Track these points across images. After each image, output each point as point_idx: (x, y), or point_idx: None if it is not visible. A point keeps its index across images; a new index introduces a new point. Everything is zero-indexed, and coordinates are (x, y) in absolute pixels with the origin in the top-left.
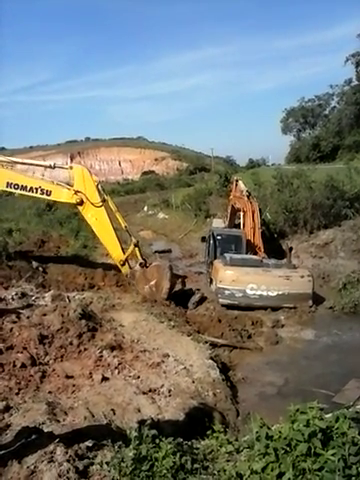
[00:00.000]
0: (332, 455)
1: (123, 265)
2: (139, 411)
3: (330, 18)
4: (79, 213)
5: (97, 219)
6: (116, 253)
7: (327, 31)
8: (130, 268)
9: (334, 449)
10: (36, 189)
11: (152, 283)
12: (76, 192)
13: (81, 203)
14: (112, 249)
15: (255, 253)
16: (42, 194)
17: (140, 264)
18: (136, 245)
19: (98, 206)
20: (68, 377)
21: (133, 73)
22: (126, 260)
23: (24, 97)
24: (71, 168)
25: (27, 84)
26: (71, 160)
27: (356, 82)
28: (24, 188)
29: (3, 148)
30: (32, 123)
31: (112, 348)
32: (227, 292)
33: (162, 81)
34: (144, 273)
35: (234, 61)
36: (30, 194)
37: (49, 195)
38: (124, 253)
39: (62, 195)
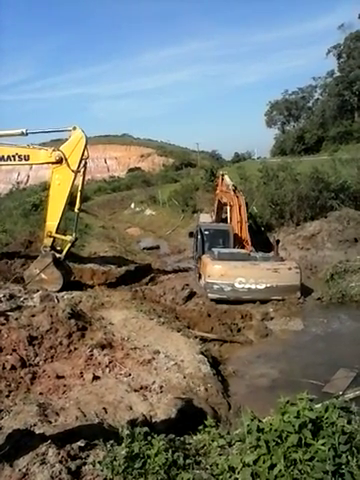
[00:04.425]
0: (322, 445)
1: (49, 237)
2: (131, 409)
3: (311, 10)
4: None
5: (60, 184)
6: (52, 224)
7: (308, 23)
8: (51, 248)
9: (324, 439)
10: (13, 157)
11: (44, 277)
12: (55, 150)
13: (59, 162)
14: (51, 218)
15: (243, 247)
16: (20, 160)
17: (58, 257)
18: (72, 242)
19: (72, 170)
20: (59, 377)
21: (115, 69)
22: (54, 239)
23: (6, 96)
24: (74, 128)
25: (8, 83)
26: None
27: (338, 74)
28: (1, 158)
29: None
30: (15, 122)
31: (102, 347)
32: (216, 286)
33: (145, 77)
34: (50, 265)
35: (216, 55)
36: (9, 163)
37: (28, 160)
38: (57, 233)
39: (40, 156)
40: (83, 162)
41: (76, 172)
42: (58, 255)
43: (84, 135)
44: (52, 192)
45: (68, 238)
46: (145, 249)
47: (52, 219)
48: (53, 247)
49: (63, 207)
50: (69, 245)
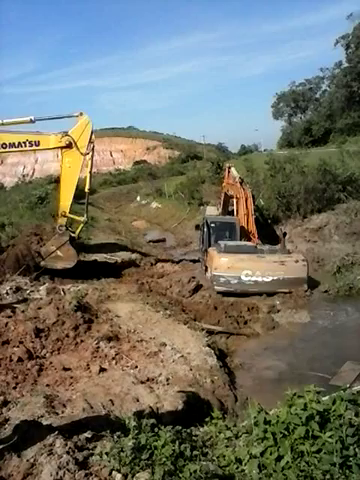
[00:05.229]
0: (330, 437)
1: (63, 217)
2: (137, 401)
3: (318, 0)
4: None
5: (70, 167)
6: (65, 204)
7: (315, 14)
8: (66, 227)
9: (331, 431)
10: (24, 143)
11: (59, 254)
12: (64, 135)
13: (68, 146)
14: (64, 199)
15: (249, 239)
16: (31, 146)
17: (72, 237)
18: (83, 223)
19: (82, 153)
20: (65, 369)
21: (121, 61)
22: (67, 218)
23: (12, 89)
24: (81, 114)
25: (14, 76)
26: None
27: (346, 64)
28: (12, 145)
29: None
30: (20, 115)
31: (109, 339)
32: (222, 279)
33: (151, 69)
34: (66, 243)
35: (222, 47)
36: (20, 149)
37: (38, 145)
38: (70, 213)
39: (50, 142)
40: (91, 145)
41: (85, 155)
42: (72, 234)
43: (90, 121)
44: (63, 175)
45: (81, 219)
46: (151, 242)
47: (65, 200)
48: (66, 226)
49: (74, 188)
50: (81, 225)
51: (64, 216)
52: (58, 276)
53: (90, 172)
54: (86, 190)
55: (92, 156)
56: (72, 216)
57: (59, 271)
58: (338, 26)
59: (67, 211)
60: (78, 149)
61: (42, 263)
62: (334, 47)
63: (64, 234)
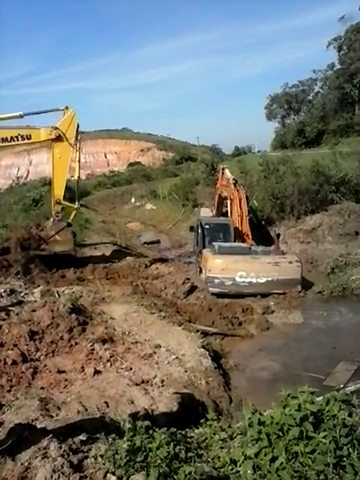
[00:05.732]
0: (323, 437)
1: (57, 204)
2: (132, 403)
3: (313, 1)
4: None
5: (61, 157)
6: (59, 192)
7: (314, 14)
8: (61, 215)
9: (325, 431)
10: (16, 137)
11: (57, 238)
12: (54, 128)
13: (57, 139)
14: (57, 187)
15: (243, 241)
16: (23, 140)
17: (68, 223)
18: (76, 210)
19: (70, 144)
20: (60, 372)
21: (118, 62)
22: (62, 206)
23: (5, 91)
24: (67, 108)
25: (7, 78)
26: None
27: (339, 66)
28: (5, 140)
29: None
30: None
31: (103, 341)
32: (217, 281)
33: (147, 70)
34: (64, 229)
35: (218, 48)
36: (12, 143)
37: (30, 139)
38: (64, 200)
39: (41, 135)
40: (79, 136)
41: (73, 145)
42: (67, 222)
43: (76, 113)
44: (55, 165)
45: (74, 205)
46: (146, 244)
47: (58, 188)
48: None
49: (66, 177)
50: (75, 212)
51: (58, 203)
52: (58, 265)
53: (79, 161)
54: (76, 178)
55: (79, 146)
56: (66, 203)
57: (58, 259)
58: (331, 27)
59: (61, 198)
60: (67, 140)
61: (42, 246)
62: (327, 49)
63: (62, 220)
